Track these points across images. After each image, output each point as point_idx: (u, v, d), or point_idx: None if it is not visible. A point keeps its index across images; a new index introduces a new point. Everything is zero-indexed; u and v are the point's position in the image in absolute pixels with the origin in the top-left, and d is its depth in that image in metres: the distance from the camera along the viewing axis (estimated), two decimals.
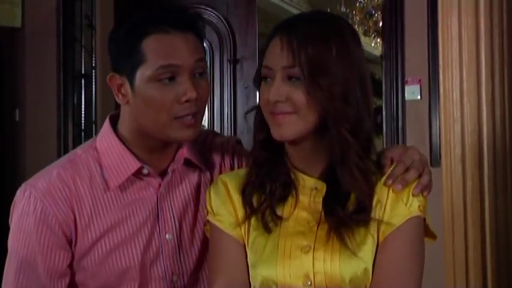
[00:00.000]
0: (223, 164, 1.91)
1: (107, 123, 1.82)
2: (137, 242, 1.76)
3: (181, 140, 1.74)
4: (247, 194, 1.65)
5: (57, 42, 5.21)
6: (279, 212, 1.61)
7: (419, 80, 4.16)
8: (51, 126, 5.19)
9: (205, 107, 1.76)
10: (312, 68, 1.51)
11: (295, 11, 8.44)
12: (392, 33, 4.33)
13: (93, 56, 5.16)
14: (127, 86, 1.72)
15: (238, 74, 5.00)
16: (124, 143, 1.78)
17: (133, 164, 1.75)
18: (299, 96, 1.52)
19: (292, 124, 1.54)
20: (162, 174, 1.80)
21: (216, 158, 1.91)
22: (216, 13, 5.03)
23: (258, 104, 1.65)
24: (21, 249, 1.73)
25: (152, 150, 1.78)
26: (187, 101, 1.67)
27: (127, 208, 1.76)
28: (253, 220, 1.64)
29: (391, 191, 1.58)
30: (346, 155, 1.54)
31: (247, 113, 1.79)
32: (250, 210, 1.64)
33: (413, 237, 1.56)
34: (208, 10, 5.00)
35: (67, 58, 5.20)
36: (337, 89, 1.51)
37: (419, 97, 4.17)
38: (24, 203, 1.73)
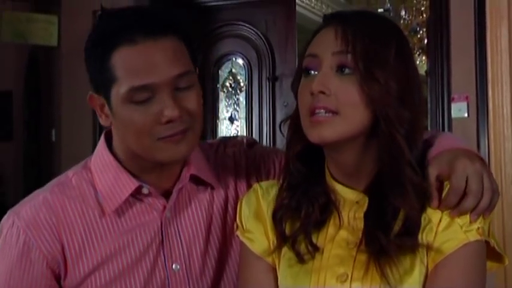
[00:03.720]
0: (238, 181, 1.68)
1: (101, 141, 1.62)
2: (137, 274, 1.55)
3: (171, 160, 1.50)
4: (279, 220, 1.45)
5: None
6: (315, 239, 1.41)
7: (467, 97, 3.99)
8: (87, 147, 5.15)
9: (199, 122, 1.50)
10: (368, 59, 1.32)
11: None
12: (438, 48, 4.21)
13: None
14: (107, 106, 1.50)
15: (277, 92, 4.90)
16: (120, 162, 1.56)
17: (130, 184, 1.54)
18: (350, 92, 1.32)
19: (334, 125, 1.33)
20: (167, 195, 1.58)
21: (230, 173, 1.68)
22: (255, 30, 4.96)
23: (293, 113, 1.45)
24: (3, 281, 1.54)
25: (151, 169, 1.56)
26: (168, 121, 1.43)
27: (126, 235, 1.55)
28: (285, 246, 1.46)
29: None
30: (397, 166, 1.34)
31: (283, 122, 1.53)
32: (282, 239, 1.44)
33: (471, 266, 1.33)
34: (246, 27, 4.94)
35: None
36: (393, 85, 1.32)
37: (466, 115, 4.00)
38: (7, 233, 1.54)
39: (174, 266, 1.57)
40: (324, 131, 1.33)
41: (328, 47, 1.35)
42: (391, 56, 1.33)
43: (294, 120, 1.43)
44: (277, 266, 1.47)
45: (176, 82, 1.44)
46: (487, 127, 3.80)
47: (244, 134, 4.99)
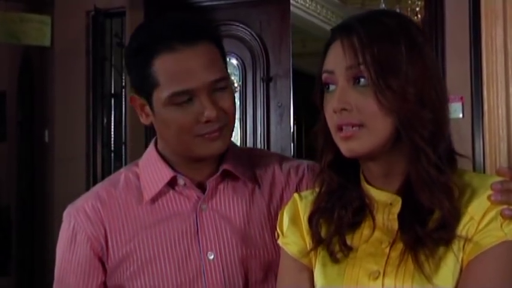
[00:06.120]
0: (285, 193, 1.77)
1: (153, 140, 1.79)
2: (171, 260, 1.66)
3: (208, 155, 1.65)
4: (315, 223, 1.48)
5: (86, 61, 5.19)
6: (348, 240, 1.44)
7: (461, 98, 3.99)
8: (80, 148, 5.15)
9: (233, 119, 1.67)
10: (379, 67, 1.32)
11: None
12: (433, 49, 4.17)
13: (123, 75, 5.08)
14: (148, 106, 1.66)
15: (271, 93, 4.87)
16: (163, 157, 1.72)
17: (167, 174, 1.68)
18: (369, 104, 1.33)
19: (362, 138, 1.36)
20: (204, 187, 1.70)
21: (278, 183, 1.78)
22: (249, 30, 4.94)
23: (322, 123, 1.46)
24: (58, 267, 1.73)
25: (189, 163, 1.69)
26: (208, 120, 1.58)
27: (161, 223, 1.68)
28: (321, 248, 1.48)
29: (490, 207, 1.33)
30: (422, 168, 1.34)
31: (313, 133, 1.54)
32: (317, 241, 1.47)
33: (508, 264, 1.31)
34: (240, 27, 4.92)
35: (96, 77, 5.16)
36: (410, 90, 1.32)
37: (461, 115, 3.99)
38: (64, 221, 1.74)
39: (208, 254, 1.66)
40: (354, 145, 1.36)
41: (340, 62, 1.37)
42: (402, 58, 1.33)
43: (324, 130, 1.45)
44: (313, 267, 1.49)
45: (213, 85, 1.59)
46: (482, 128, 3.79)
47: (239, 135, 4.96)
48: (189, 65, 1.57)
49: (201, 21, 1.66)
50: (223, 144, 1.63)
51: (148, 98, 1.63)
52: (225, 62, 1.67)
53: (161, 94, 1.58)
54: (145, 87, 1.62)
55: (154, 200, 1.69)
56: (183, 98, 1.57)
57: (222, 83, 1.61)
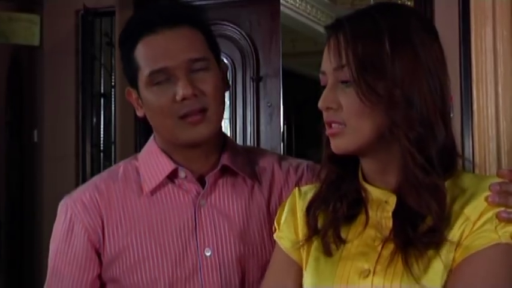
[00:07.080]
0: (283, 190, 1.78)
1: (152, 135, 1.79)
2: (168, 255, 1.65)
3: (192, 140, 1.64)
4: (312, 214, 1.49)
5: (75, 61, 5.17)
6: (344, 233, 1.44)
7: (451, 98, 3.93)
8: (70, 148, 5.14)
9: (215, 102, 1.65)
10: (361, 68, 1.32)
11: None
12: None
13: (113, 75, 5.07)
14: (140, 98, 1.68)
15: (261, 92, 4.87)
16: (162, 149, 1.72)
17: (168, 166, 1.68)
18: (351, 104, 1.34)
19: (346, 137, 1.37)
20: (204, 183, 1.70)
21: (278, 182, 1.79)
22: (239, 30, 4.93)
23: None
24: (52, 259, 1.71)
25: (184, 152, 1.69)
26: (184, 98, 1.59)
27: (159, 216, 1.67)
28: (315, 239, 1.49)
29: (487, 208, 1.32)
30: (408, 169, 1.33)
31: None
32: (312, 231, 1.48)
33: (498, 266, 1.28)
34: (230, 26, 4.91)
35: (86, 77, 5.14)
36: (397, 92, 1.31)
37: (450, 115, 3.97)
38: (59, 212, 1.73)
39: (205, 251, 1.66)
40: (339, 142, 1.39)
41: (328, 64, 1.38)
42: (387, 56, 1.32)
43: None
44: (304, 262, 1.50)
45: (191, 65, 1.60)
46: (471, 127, 3.79)
47: (228, 134, 4.95)
48: (167, 44, 1.60)
49: (186, 7, 1.70)
50: (207, 130, 1.63)
51: (135, 86, 1.66)
52: (215, 47, 1.69)
53: (142, 76, 1.61)
54: (132, 74, 1.65)
55: (153, 192, 1.68)
56: (161, 77, 1.59)
57: (202, 64, 1.61)
